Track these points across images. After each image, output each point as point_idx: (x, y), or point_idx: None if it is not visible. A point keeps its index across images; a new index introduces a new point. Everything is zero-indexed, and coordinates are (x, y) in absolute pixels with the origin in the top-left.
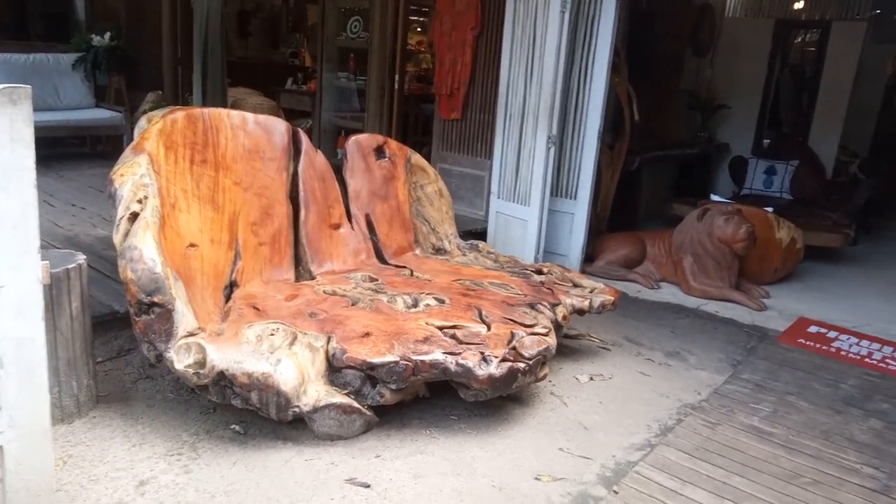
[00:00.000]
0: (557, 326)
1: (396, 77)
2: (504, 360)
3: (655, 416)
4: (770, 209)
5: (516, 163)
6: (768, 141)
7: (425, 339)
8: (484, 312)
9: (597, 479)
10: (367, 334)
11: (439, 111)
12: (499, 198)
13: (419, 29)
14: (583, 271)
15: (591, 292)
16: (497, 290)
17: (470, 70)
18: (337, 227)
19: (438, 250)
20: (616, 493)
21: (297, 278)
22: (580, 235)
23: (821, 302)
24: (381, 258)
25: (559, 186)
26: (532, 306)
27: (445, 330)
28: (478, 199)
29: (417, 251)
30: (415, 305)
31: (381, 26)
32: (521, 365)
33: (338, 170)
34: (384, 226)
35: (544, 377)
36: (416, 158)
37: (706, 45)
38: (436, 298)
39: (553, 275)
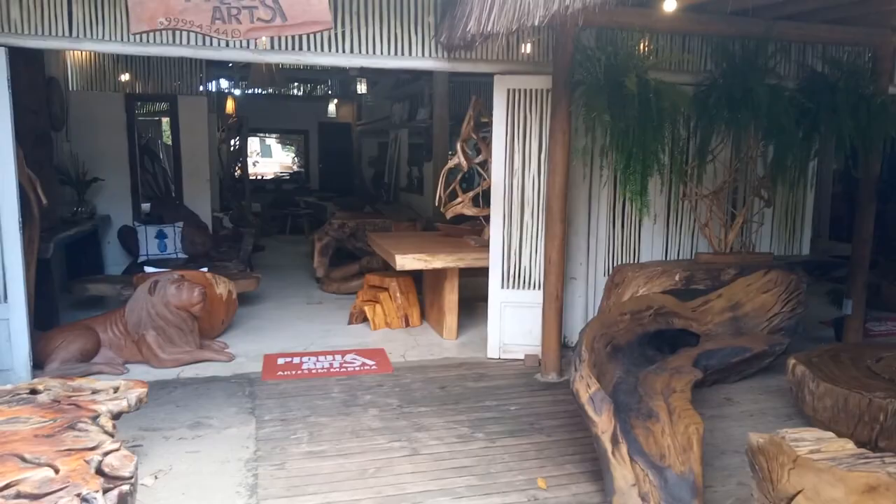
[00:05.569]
0: (110, 436)
1: None
2: (105, 490)
3: (234, 481)
4: (205, 269)
5: None
6: (148, 206)
7: None
8: (27, 455)
9: None
10: None
11: None
12: None
13: None
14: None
15: (117, 391)
16: (14, 427)
17: None
18: None
19: None
20: None
21: None
22: (22, 342)
23: (268, 338)
24: None
25: None
26: (73, 427)
27: (3, 493)
28: None
29: None
30: None
31: None
32: (126, 487)
33: None
34: None
35: None
36: None
37: (59, 119)
38: None
39: (55, 389)
